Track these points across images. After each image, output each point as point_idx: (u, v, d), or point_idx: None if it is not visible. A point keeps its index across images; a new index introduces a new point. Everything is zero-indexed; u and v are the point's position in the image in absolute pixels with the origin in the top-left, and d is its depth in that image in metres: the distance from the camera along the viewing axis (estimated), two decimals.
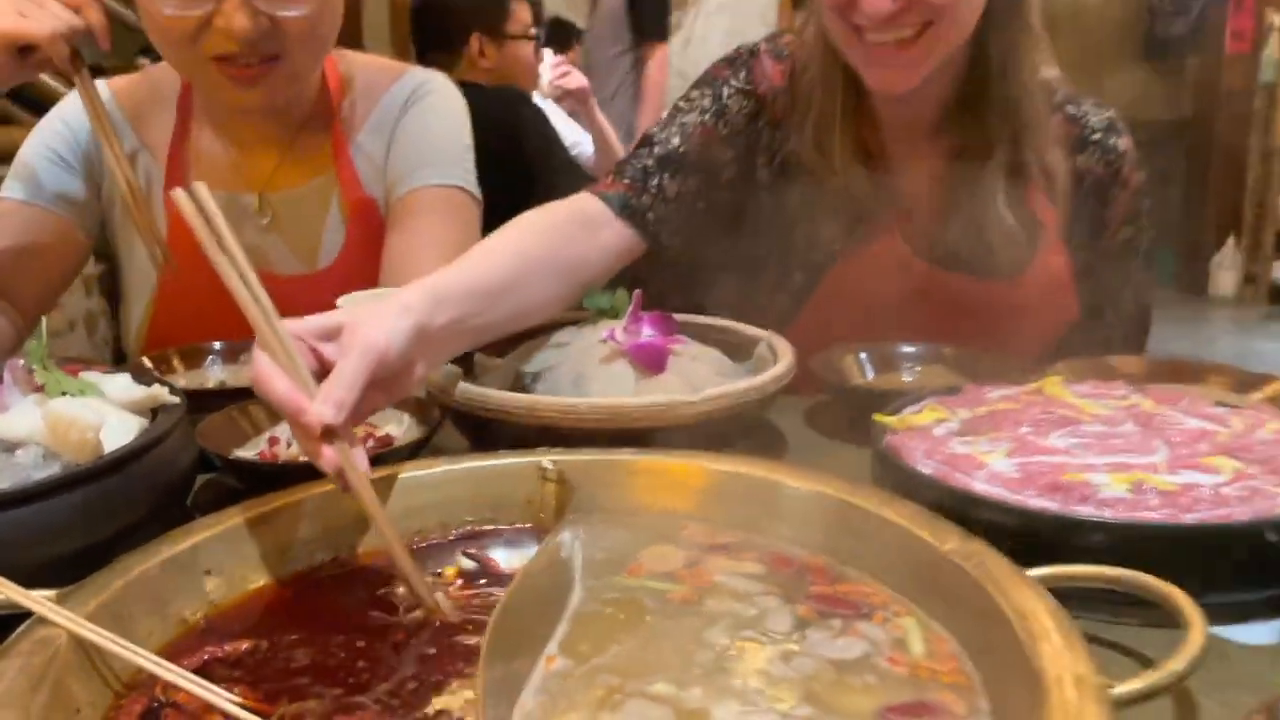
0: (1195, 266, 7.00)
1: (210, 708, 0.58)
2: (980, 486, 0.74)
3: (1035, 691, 0.52)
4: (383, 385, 0.78)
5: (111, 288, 1.52)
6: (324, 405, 0.70)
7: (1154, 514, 0.70)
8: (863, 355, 1.14)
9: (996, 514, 0.72)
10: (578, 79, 2.96)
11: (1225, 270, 6.85)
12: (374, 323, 0.78)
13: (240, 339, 1.18)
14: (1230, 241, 6.77)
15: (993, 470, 0.76)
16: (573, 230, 1.13)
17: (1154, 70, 7.76)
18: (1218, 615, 0.68)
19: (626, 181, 1.22)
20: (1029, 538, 0.70)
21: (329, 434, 0.70)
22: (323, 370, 0.75)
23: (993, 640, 0.59)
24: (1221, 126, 6.72)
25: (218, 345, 1.16)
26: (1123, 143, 1.29)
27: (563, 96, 2.98)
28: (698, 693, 0.58)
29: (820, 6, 1.16)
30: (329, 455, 0.70)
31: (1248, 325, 6.43)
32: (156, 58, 1.31)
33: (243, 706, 0.57)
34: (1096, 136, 1.28)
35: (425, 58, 2.48)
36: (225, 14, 1.13)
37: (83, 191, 1.32)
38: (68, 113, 1.34)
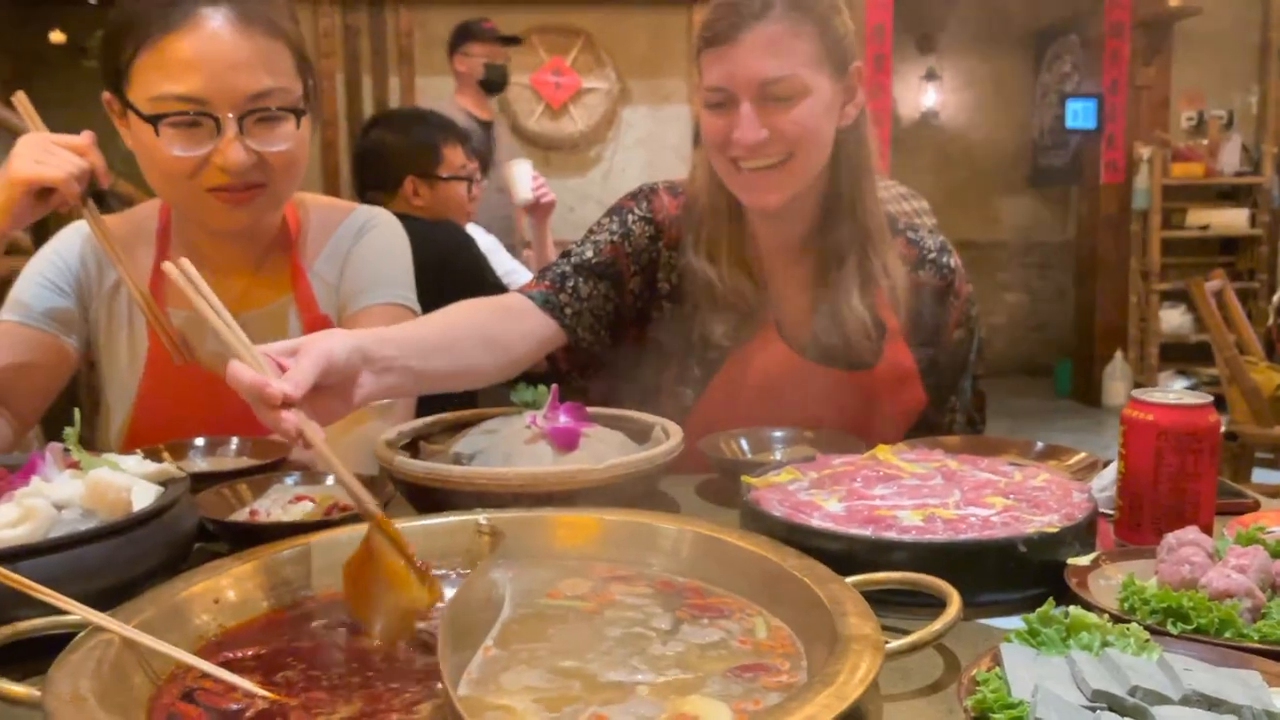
0: (1089, 378, 7.47)
1: (231, 689, 0.77)
2: (816, 522, 0.98)
3: (835, 648, 0.74)
4: (334, 391, 1.03)
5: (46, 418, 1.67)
6: (283, 383, 0.94)
7: (938, 536, 0.93)
8: (742, 439, 1.38)
9: (825, 540, 0.95)
10: (551, 195, 3.27)
11: (1117, 381, 7.30)
12: (323, 337, 1.03)
13: (213, 435, 1.38)
14: (1118, 354, 7.26)
15: (826, 511, 1.00)
16: (498, 315, 1.42)
17: (1040, 198, 8.43)
18: (989, 611, 0.92)
19: (547, 282, 1.51)
20: (849, 556, 0.92)
21: (287, 404, 0.93)
22: None
23: (814, 622, 0.82)
24: (1103, 249, 7.28)
25: (199, 441, 1.35)
26: (953, 261, 1.58)
27: (533, 206, 3.25)
28: (595, 665, 0.79)
29: (706, 149, 1.46)
30: (288, 417, 0.93)
31: None
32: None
33: (256, 684, 0.76)
34: (932, 256, 1.57)
35: (365, 195, 2.73)
36: (222, 151, 1.35)
37: (73, 311, 1.51)
38: (60, 245, 1.55)
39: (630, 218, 1.56)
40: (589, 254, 1.54)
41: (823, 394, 1.49)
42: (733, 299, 1.50)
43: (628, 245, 1.55)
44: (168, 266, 0.99)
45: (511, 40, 4.57)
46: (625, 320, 1.56)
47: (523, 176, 3.11)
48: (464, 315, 1.37)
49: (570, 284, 1.51)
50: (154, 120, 1.33)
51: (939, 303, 1.57)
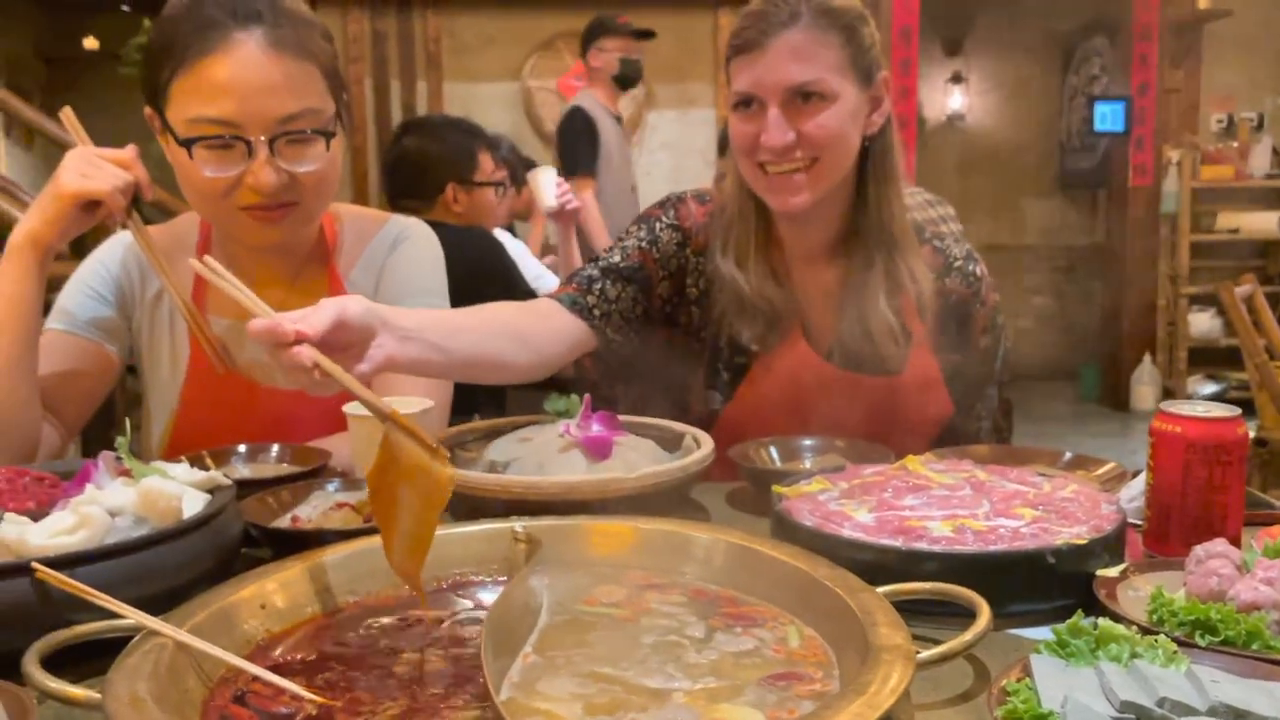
0: (1117, 383, 7.42)
1: (280, 693, 0.79)
2: (846, 532, 0.99)
3: (867, 657, 0.76)
4: (351, 352, 1.07)
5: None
6: (294, 324, 0.98)
7: (967, 547, 0.95)
8: (772, 448, 1.40)
9: (856, 551, 0.96)
10: (575, 202, 3.30)
11: (1145, 385, 7.25)
12: (339, 298, 1.07)
13: (253, 441, 1.41)
14: (1146, 358, 7.21)
15: (856, 521, 1.01)
16: (525, 314, 1.46)
17: (1068, 201, 8.37)
18: (1017, 621, 0.94)
19: (574, 285, 1.54)
20: (879, 566, 0.94)
21: (300, 340, 0.96)
22: None
23: (846, 632, 0.83)
24: (1131, 252, 7.23)
25: (241, 448, 1.38)
26: (979, 269, 1.60)
27: (558, 213, 3.29)
28: (632, 671, 0.81)
29: (734, 154, 1.48)
30: (304, 351, 0.97)
31: None
32: None
33: (304, 688, 0.79)
34: (958, 264, 1.59)
35: (398, 203, 2.77)
36: (254, 172, 1.38)
37: (115, 320, 1.55)
38: (103, 254, 1.59)
39: (658, 225, 1.59)
40: (616, 258, 1.57)
41: (848, 400, 1.51)
42: (759, 303, 1.52)
43: (655, 251, 1.57)
44: (192, 263, 1.03)
45: (645, 34, 4.61)
46: (654, 324, 1.59)
47: (547, 184, 3.15)
48: (489, 308, 1.41)
49: (598, 286, 1.54)
50: (187, 144, 1.37)
51: (965, 311, 1.58)
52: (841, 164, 1.46)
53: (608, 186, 4.08)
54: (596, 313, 1.52)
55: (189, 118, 1.37)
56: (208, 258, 1.03)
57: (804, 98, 1.41)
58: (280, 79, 1.37)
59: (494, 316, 1.40)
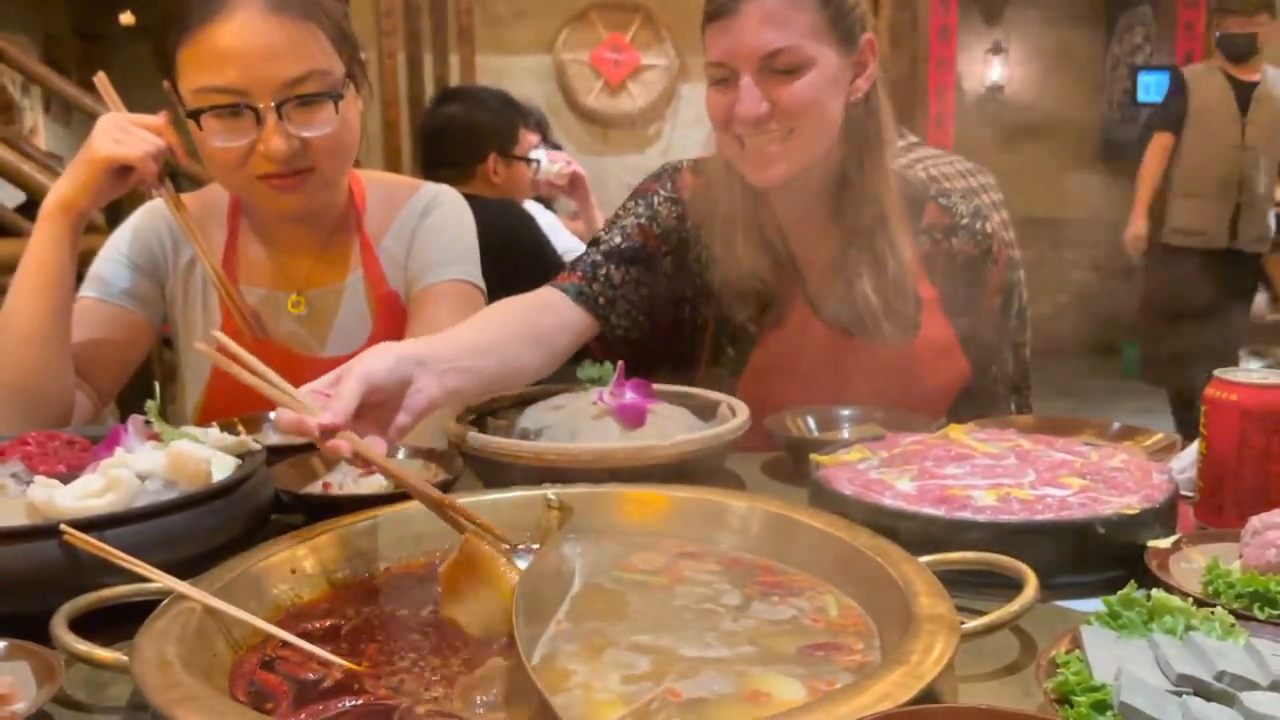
0: (1157, 359, 7.28)
1: (309, 659, 0.78)
2: (888, 501, 0.97)
3: (910, 627, 0.74)
4: (390, 404, 1.04)
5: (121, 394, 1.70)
6: (323, 414, 0.93)
7: (1013, 516, 0.92)
8: (809, 417, 1.37)
9: (898, 519, 0.94)
10: (576, 165, 3.26)
11: None
12: (363, 358, 1.03)
13: None
14: None
15: (897, 490, 0.99)
16: (537, 312, 1.42)
17: (1110, 174, 8.20)
18: (1066, 593, 0.91)
19: (579, 274, 1.49)
20: (922, 536, 0.91)
21: (333, 432, 0.93)
22: None
23: (887, 602, 0.81)
24: None
25: (272, 414, 1.37)
26: (989, 225, 1.54)
27: (564, 185, 3.26)
28: (667, 639, 0.79)
29: (712, 127, 1.44)
30: (341, 445, 0.93)
31: None
32: None
33: (331, 653, 0.78)
34: (965, 222, 1.54)
35: (434, 173, 2.75)
36: (264, 140, 1.36)
37: (148, 288, 1.55)
38: (137, 222, 1.58)
39: (656, 199, 1.54)
40: (617, 240, 1.52)
41: (863, 368, 1.46)
42: (752, 280, 1.47)
43: (656, 227, 1.53)
44: (200, 346, 0.97)
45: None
46: (663, 302, 1.54)
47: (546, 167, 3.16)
48: (509, 315, 1.37)
49: (602, 272, 1.49)
50: (195, 114, 1.35)
51: (975, 270, 1.53)
52: (821, 134, 1.40)
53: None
54: (601, 301, 1.47)
55: (195, 88, 1.35)
56: (217, 334, 1.00)
57: (778, 65, 1.34)
58: (283, 42, 1.34)
59: (510, 322, 1.36)
